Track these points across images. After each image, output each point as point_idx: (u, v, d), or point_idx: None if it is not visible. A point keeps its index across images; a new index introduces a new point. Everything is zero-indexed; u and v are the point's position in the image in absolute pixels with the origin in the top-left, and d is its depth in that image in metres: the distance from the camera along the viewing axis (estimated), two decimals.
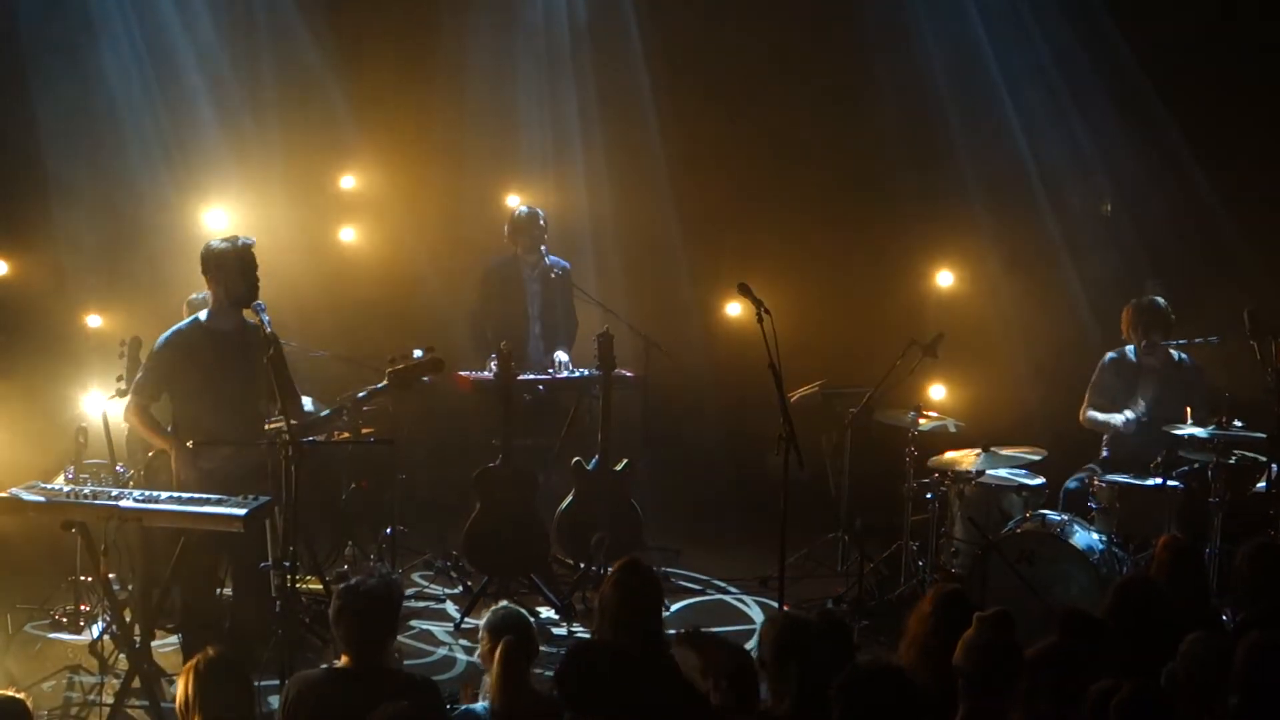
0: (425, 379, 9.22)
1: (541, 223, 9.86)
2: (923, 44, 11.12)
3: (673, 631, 5.94)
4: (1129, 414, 9.06)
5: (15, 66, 9.93)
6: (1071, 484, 9.07)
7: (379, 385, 7.75)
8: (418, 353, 7.72)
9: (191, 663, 5.10)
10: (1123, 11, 10.62)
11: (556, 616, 8.65)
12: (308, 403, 7.98)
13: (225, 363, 7.28)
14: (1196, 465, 8.56)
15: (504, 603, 5.96)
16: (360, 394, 7.81)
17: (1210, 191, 10.48)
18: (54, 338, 9.84)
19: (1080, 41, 10.77)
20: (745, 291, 7.61)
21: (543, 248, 9.87)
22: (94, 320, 9.77)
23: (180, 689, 5.04)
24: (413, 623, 8.59)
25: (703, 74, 11.30)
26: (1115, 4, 10.63)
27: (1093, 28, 10.69)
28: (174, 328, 7.39)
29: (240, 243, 7.35)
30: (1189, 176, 10.55)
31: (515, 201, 11.01)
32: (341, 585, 5.48)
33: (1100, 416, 9.22)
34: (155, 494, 6.94)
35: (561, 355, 9.74)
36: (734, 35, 11.19)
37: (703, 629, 6.03)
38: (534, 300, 9.94)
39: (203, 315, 7.42)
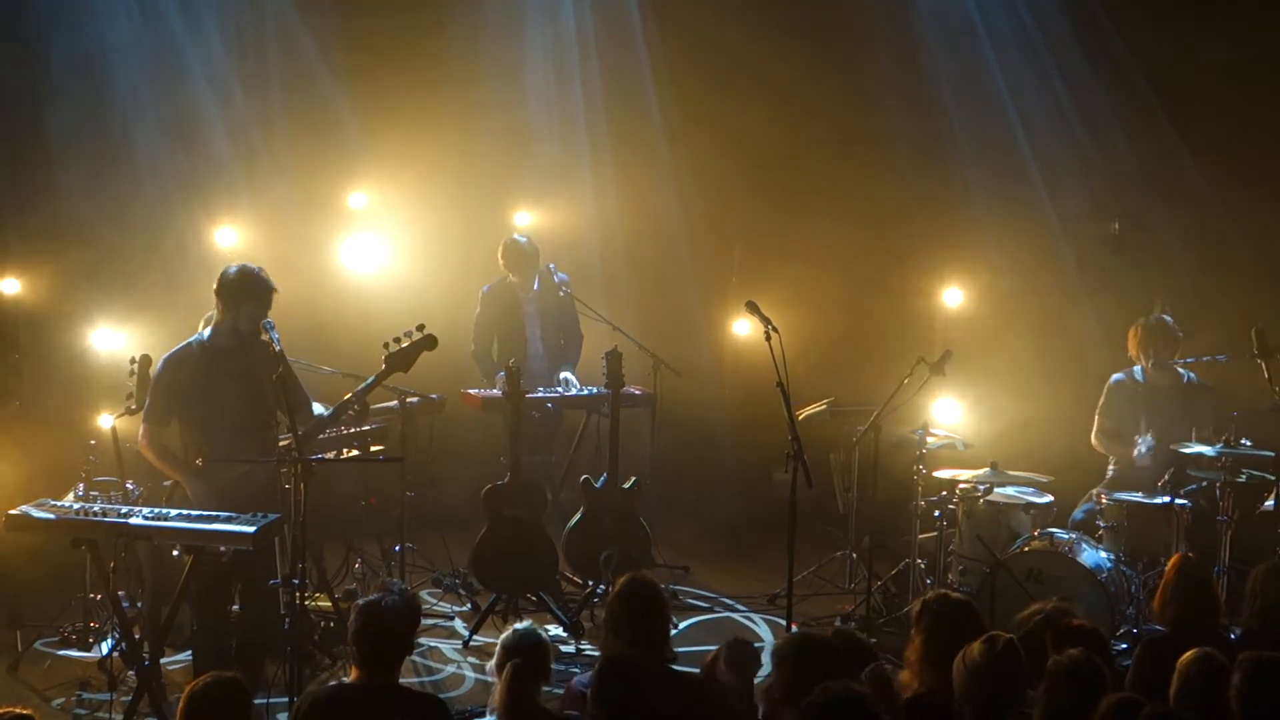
0: (431, 396, 9.33)
1: (538, 252, 9.95)
2: (932, 66, 11.15)
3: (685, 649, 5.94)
4: (1144, 446, 9.04)
5: (28, 87, 9.97)
6: (1078, 515, 9.07)
7: (380, 371, 7.61)
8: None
9: (189, 687, 5.12)
10: (1133, 34, 10.64)
11: (565, 634, 8.64)
12: (317, 408, 7.93)
13: (227, 380, 7.28)
14: (1204, 483, 8.56)
15: (528, 623, 5.96)
16: (363, 385, 7.68)
17: (1219, 211, 10.48)
18: (65, 356, 9.86)
19: (1090, 64, 10.78)
20: (753, 309, 7.63)
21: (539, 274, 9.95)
22: (104, 338, 9.79)
23: (177, 713, 5.05)
24: (421, 640, 8.55)
25: (711, 94, 11.34)
26: (1127, 28, 10.65)
27: (1103, 50, 10.71)
28: (173, 349, 7.39)
29: (261, 273, 7.35)
30: (1198, 196, 10.56)
31: (522, 219, 11.03)
32: (361, 602, 5.47)
33: (1116, 445, 9.21)
34: (165, 511, 6.95)
35: (568, 375, 9.76)
36: (744, 56, 11.22)
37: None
38: (532, 322, 10.00)
39: (205, 334, 7.42)
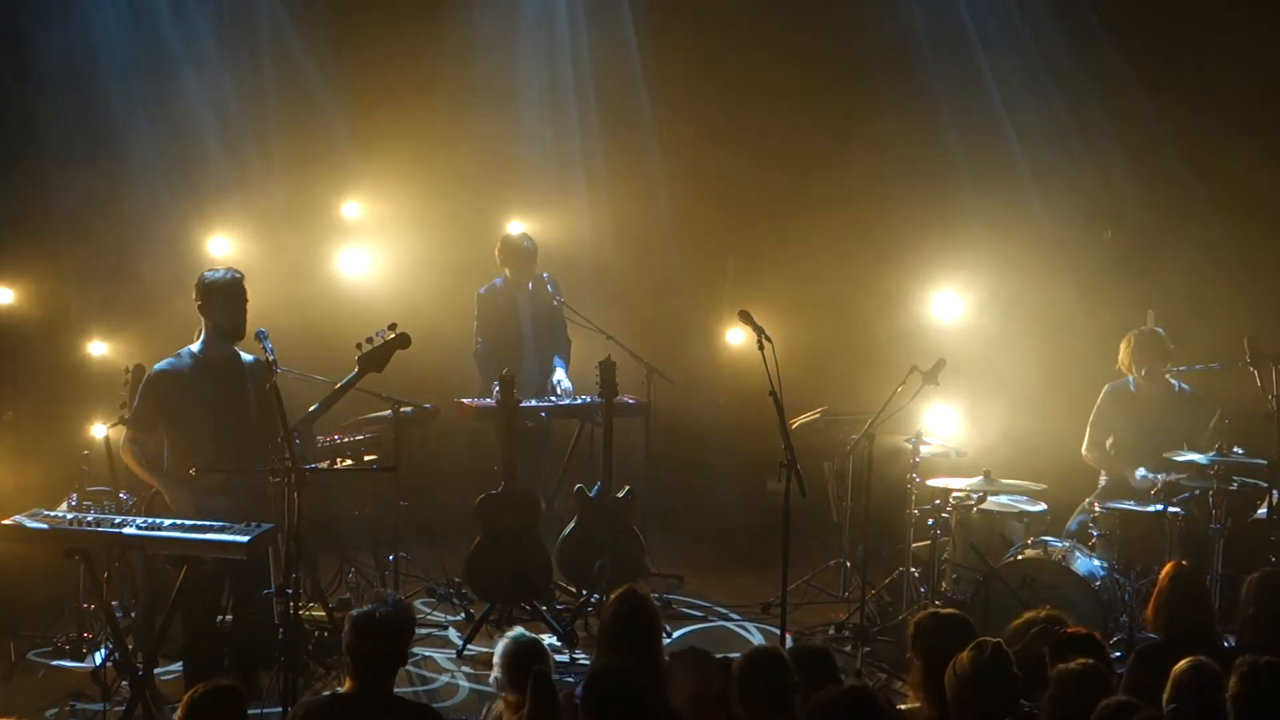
0: (425, 405, 9.32)
1: (536, 251, 9.96)
2: (928, 78, 11.18)
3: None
4: (1139, 475, 9.06)
5: (21, 95, 9.98)
6: (1072, 526, 9.10)
7: (354, 373, 7.59)
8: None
9: (187, 695, 5.14)
10: (1128, 45, 10.69)
11: (559, 643, 8.62)
12: None
13: (215, 392, 7.30)
14: (1197, 491, 8.57)
15: (519, 629, 5.96)
16: (337, 386, 7.64)
17: (1211, 219, 10.51)
18: (58, 365, 9.87)
19: (1085, 74, 10.81)
20: (747, 319, 7.65)
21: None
22: (98, 348, 9.82)
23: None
24: (415, 650, 8.53)
25: (705, 105, 11.38)
26: (1121, 38, 10.70)
27: (1098, 60, 10.75)
28: (165, 360, 7.40)
29: (228, 275, 7.38)
30: (1191, 206, 10.58)
31: (516, 228, 11.04)
32: (355, 612, 5.46)
33: (1106, 459, 9.23)
34: (159, 521, 6.97)
35: (561, 378, 9.76)
36: (737, 68, 11.25)
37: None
38: (527, 321, 9.97)
39: (195, 346, 7.42)
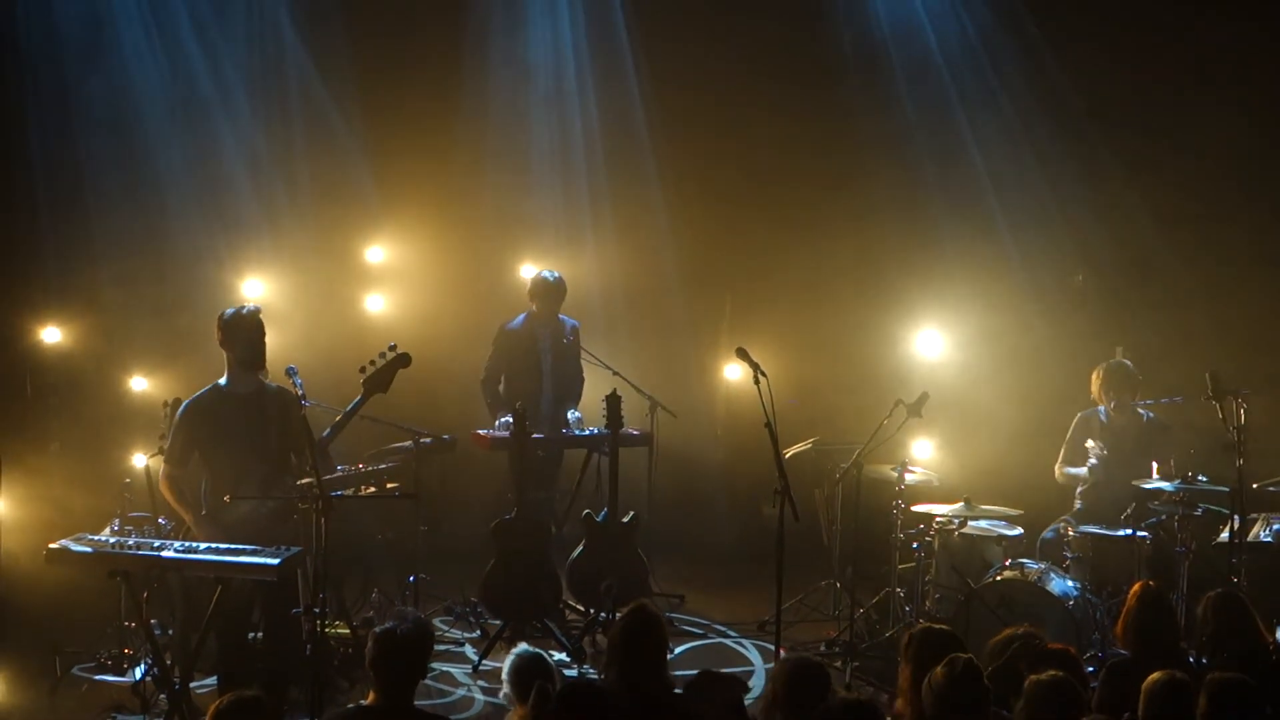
0: (443, 437, 9.33)
1: (564, 290, 9.92)
2: (914, 138, 11.31)
3: (678, 673, 5.94)
4: (1091, 460, 9.09)
5: (67, 146, 10.07)
6: (1048, 534, 9.14)
7: (360, 397, 7.42)
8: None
9: (213, 706, 5.14)
10: (1099, 113, 10.82)
11: (568, 659, 8.63)
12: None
13: (240, 424, 7.23)
14: (1163, 516, 8.58)
15: (523, 645, 5.96)
16: (347, 409, 7.46)
17: (1174, 268, 10.57)
18: (102, 400, 9.91)
19: (1059, 137, 10.92)
20: (743, 355, 7.69)
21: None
22: (139, 384, 9.86)
23: None
24: (433, 665, 8.54)
25: (704, 160, 11.47)
26: (1096, 111, 10.83)
27: (1071, 126, 10.87)
28: (193, 395, 7.36)
29: (245, 310, 7.35)
30: (1155, 253, 10.65)
31: (531, 271, 11.09)
32: (378, 629, 5.48)
33: (1071, 470, 9.30)
34: (195, 545, 6.97)
35: (574, 414, 9.77)
36: (735, 127, 11.36)
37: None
38: (546, 359, 9.94)
39: (222, 381, 7.37)
